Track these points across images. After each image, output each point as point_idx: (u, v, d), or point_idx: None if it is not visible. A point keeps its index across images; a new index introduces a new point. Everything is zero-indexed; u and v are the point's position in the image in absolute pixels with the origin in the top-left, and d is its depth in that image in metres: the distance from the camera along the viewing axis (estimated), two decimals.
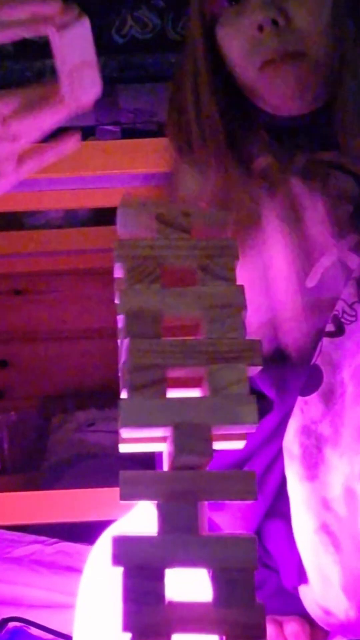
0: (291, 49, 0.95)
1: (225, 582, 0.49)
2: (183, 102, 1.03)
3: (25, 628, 0.79)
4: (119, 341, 0.52)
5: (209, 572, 0.49)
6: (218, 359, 0.50)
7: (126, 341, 0.50)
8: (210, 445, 0.48)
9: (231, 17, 0.98)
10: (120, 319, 0.52)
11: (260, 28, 0.94)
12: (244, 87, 1.02)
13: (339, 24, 0.95)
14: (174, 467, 0.50)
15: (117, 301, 0.52)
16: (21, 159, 0.83)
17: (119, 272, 0.54)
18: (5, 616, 0.81)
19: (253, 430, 0.50)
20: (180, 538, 0.49)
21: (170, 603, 0.48)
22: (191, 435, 0.48)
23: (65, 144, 0.86)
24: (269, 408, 0.87)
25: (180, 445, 0.48)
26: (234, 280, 0.53)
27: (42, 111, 0.79)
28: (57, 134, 0.88)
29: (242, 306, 0.52)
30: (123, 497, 0.49)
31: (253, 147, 1.01)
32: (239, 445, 0.53)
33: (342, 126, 0.97)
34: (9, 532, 1.03)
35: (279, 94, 0.98)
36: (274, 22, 0.94)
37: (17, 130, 0.79)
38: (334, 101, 0.99)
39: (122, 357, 0.51)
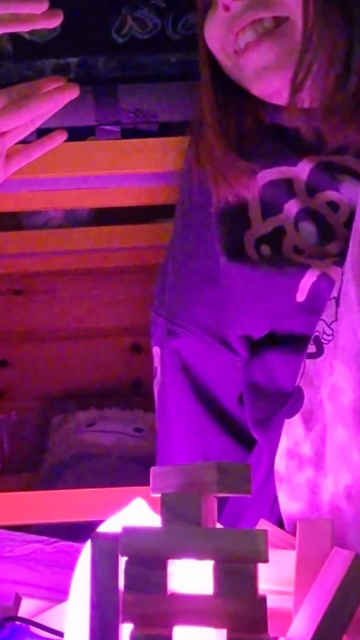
0: (266, 16, 0.92)
1: (227, 574, 0.49)
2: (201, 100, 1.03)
3: (25, 627, 0.79)
4: None
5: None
6: None
7: None
8: None
9: (213, 9, 0.98)
10: None
11: (227, 8, 0.93)
12: (231, 78, 1.01)
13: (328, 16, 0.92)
14: None
15: None
16: (9, 156, 0.85)
17: None
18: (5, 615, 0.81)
19: None
20: (184, 529, 0.49)
21: (173, 594, 0.49)
22: None
23: (52, 142, 0.88)
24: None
25: None
26: None
27: (27, 109, 0.80)
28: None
29: None
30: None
31: (259, 149, 1.00)
32: None
33: (343, 128, 0.96)
34: (9, 532, 1.03)
35: (256, 72, 0.95)
36: None
37: (4, 128, 0.81)
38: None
39: None
